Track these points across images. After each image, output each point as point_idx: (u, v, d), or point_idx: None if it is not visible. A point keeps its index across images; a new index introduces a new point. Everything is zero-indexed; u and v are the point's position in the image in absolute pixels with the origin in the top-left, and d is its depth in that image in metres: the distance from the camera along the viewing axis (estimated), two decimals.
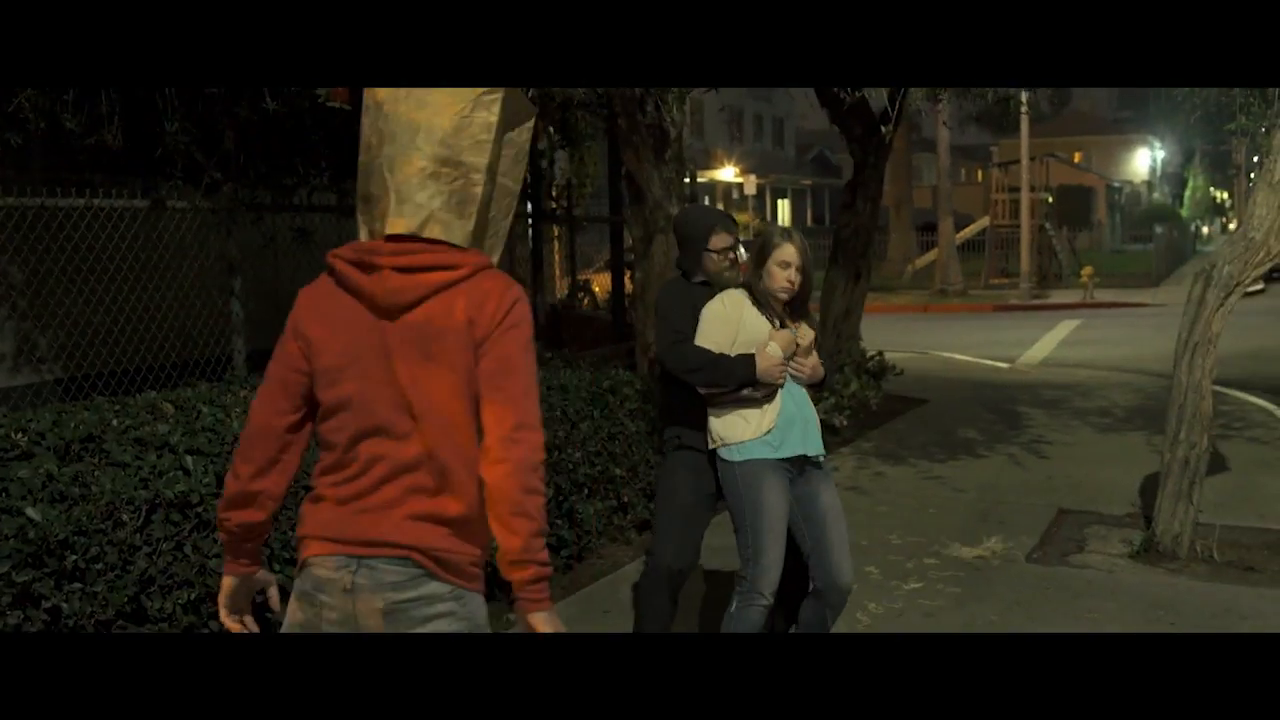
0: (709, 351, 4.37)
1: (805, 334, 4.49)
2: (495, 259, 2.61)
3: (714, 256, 4.66)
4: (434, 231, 2.45)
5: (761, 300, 4.44)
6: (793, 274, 4.40)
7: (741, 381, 4.32)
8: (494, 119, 2.48)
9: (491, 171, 2.51)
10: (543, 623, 2.42)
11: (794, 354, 4.42)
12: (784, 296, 4.44)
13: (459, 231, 2.47)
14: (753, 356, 4.31)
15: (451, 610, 2.46)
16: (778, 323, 4.44)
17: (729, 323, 4.42)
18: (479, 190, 2.48)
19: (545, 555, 2.42)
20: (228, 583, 2.71)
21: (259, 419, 2.59)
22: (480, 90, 2.47)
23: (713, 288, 4.63)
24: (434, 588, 2.44)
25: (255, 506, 2.61)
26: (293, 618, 2.55)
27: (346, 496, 2.48)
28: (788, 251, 4.40)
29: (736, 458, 4.38)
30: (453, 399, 2.43)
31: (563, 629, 2.46)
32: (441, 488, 2.45)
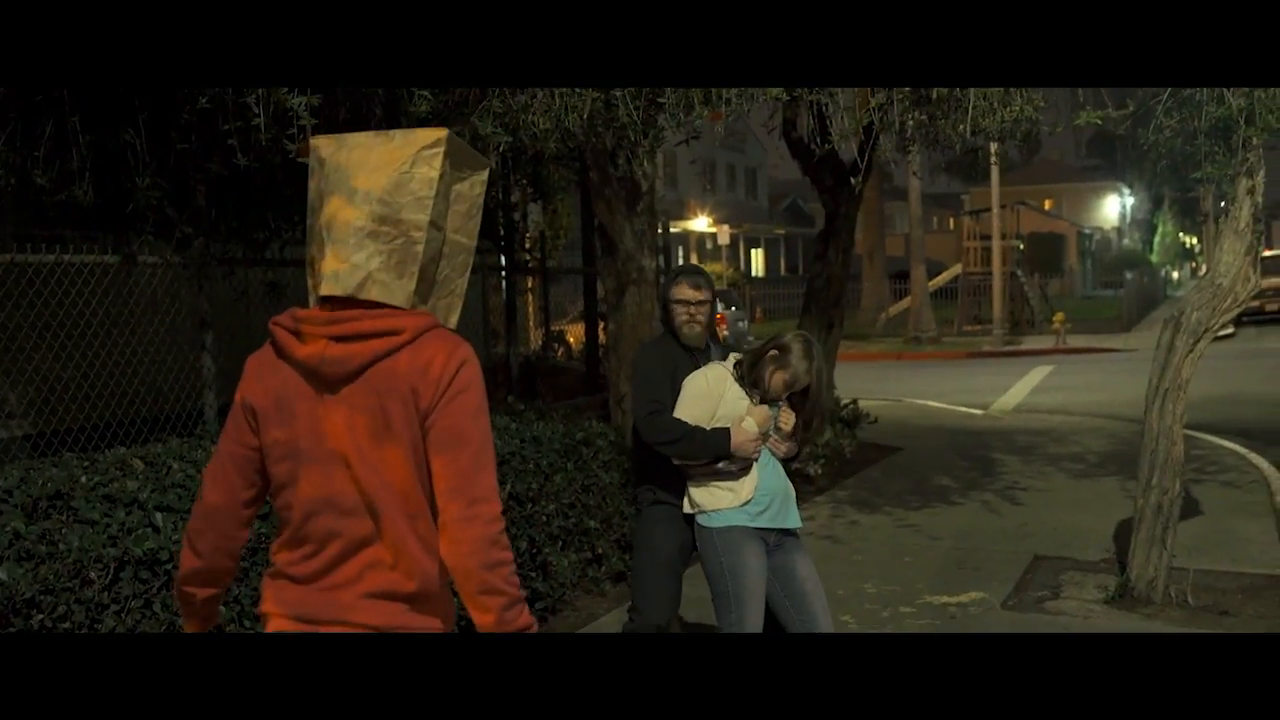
0: (684, 424, 4.37)
1: (787, 418, 4.48)
2: (454, 320, 2.53)
3: (675, 308, 4.67)
4: (373, 293, 2.37)
5: (750, 383, 4.43)
6: (798, 387, 4.40)
7: (715, 455, 4.33)
8: (435, 174, 2.39)
9: (436, 227, 2.42)
10: None
11: (769, 431, 4.43)
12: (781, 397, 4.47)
13: (399, 292, 2.39)
14: (728, 430, 4.32)
15: None
16: (758, 398, 4.43)
17: (710, 398, 4.44)
18: (420, 249, 2.39)
19: (524, 619, 2.37)
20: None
21: (214, 498, 2.52)
22: (422, 144, 2.39)
23: (693, 350, 4.64)
24: None
25: (218, 583, 2.61)
26: None
27: (305, 575, 2.43)
28: (798, 372, 4.36)
29: (715, 524, 4.39)
30: (402, 472, 2.37)
31: None
32: (396, 564, 2.39)
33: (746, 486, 4.38)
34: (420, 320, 2.39)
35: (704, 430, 4.35)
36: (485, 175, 2.57)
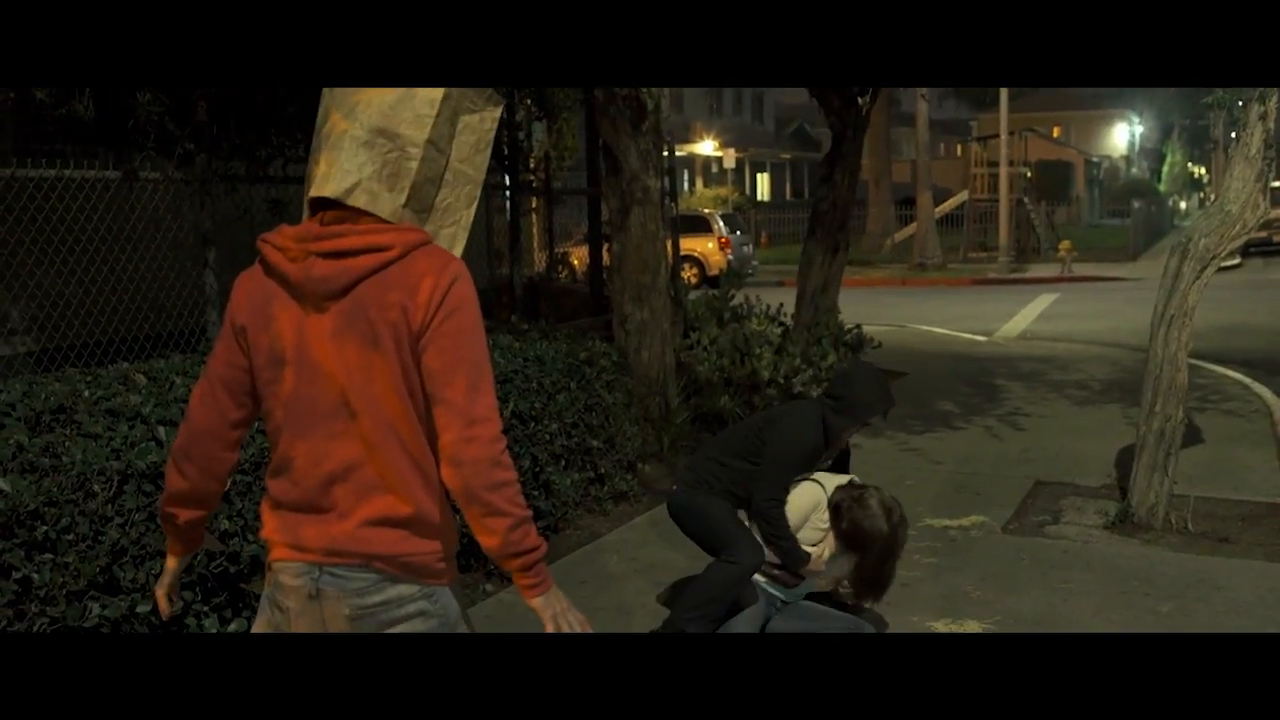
0: (791, 534, 4.82)
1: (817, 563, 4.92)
2: (458, 250, 2.46)
3: (848, 427, 5.01)
4: (359, 200, 2.31)
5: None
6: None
7: (788, 565, 4.84)
8: (439, 94, 2.36)
9: (436, 149, 2.38)
10: (541, 607, 2.35)
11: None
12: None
13: (386, 204, 2.33)
14: (808, 556, 4.84)
15: (422, 610, 2.39)
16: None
17: (814, 513, 4.86)
18: (414, 165, 2.35)
19: (531, 540, 2.33)
20: (174, 565, 2.69)
21: (201, 420, 2.48)
22: None
23: (824, 451, 5.03)
24: (401, 590, 2.37)
25: (203, 505, 2.59)
26: (262, 615, 2.51)
27: (298, 501, 2.39)
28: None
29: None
30: (391, 394, 2.32)
31: (563, 606, 2.37)
32: (391, 488, 2.35)
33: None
34: (410, 236, 2.33)
35: (796, 543, 4.81)
36: (498, 112, 2.51)
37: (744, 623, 4.79)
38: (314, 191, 2.35)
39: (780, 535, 4.78)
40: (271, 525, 2.45)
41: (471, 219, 2.52)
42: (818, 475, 4.97)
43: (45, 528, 3.78)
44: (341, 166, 2.32)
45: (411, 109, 2.35)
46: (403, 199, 2.35)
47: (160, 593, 2.69)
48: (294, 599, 2.40)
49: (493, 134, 2.52)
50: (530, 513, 2.36)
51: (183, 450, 2.51)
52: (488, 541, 2.32)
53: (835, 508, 4.77)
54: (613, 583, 5.81)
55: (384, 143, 2.33)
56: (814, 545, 4.87)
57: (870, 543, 4.64)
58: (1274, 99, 6.49)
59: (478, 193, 2.51)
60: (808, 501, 4.87)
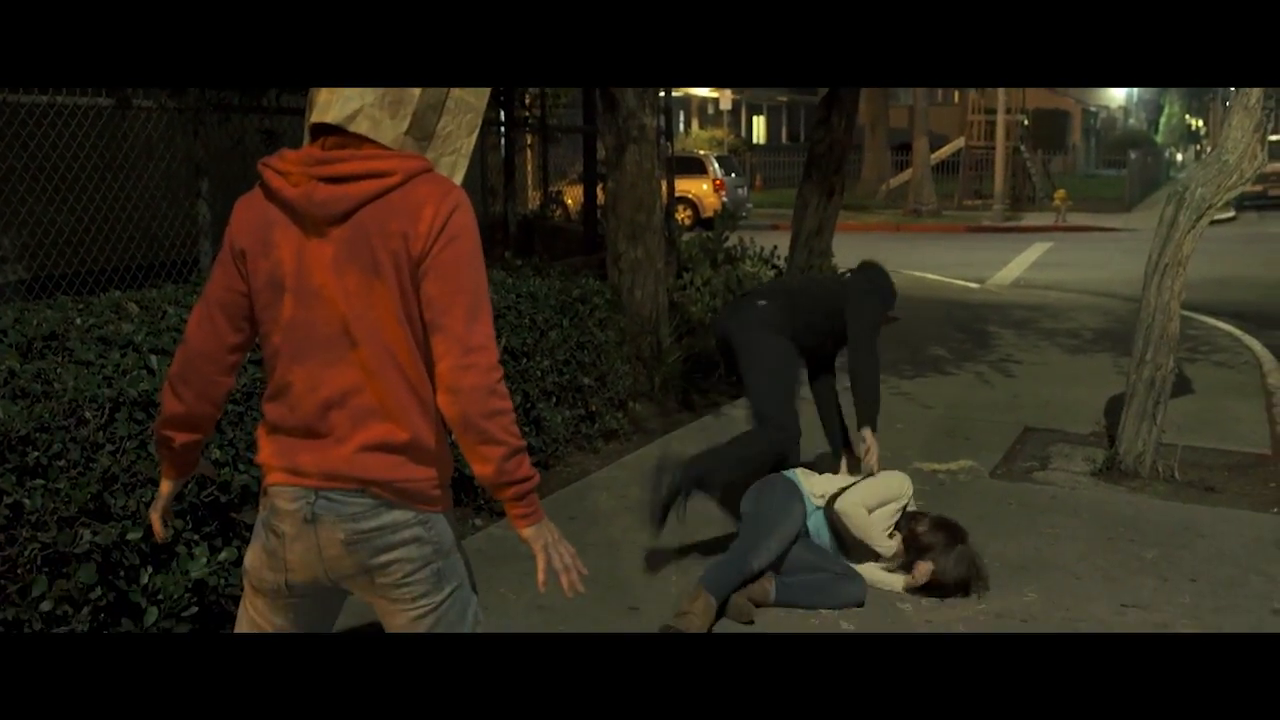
0: (878, 392, 5.38)
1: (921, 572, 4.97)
2: (458, 178, 2.46)
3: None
4: (362, 126, 2.31)
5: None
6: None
7: (871, 417, 5.36)
8: None
9: None
10: (532, 537, 2.37)
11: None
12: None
13: (388, 131, 2.33)
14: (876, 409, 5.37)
15: (417, 536, 2.40)
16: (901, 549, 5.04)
17: (881, 501, 5.02)
18: (415, 92, 2.33)
19: (524, 470, 2.34)
20: (168, 489, 2.70)
21: (199, 343, 2.48)
22: None
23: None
24: (396, 515, 2.38)
25: (199, 429, 2.58)
26: (257, 540, 2.51)
27: (295, 426, 2.40)
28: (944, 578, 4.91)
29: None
30: (391, 319, 2.32)
31: (554, 537, 2.39)
32: (388, 414, 2.35)
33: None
34: (411, 163, 2.33)
35: (878, 400, 5.37)
36: None
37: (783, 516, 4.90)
38: (315, 117, 2.34)
39: (876, 390, 5.32)
40: (268, 450, 2.45)
41: (472, 147, 2.51)
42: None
43: (37, 453, 3.78)
44: (344, 93, 2.31)
45: None
46: (404, 126, 2.35)
47: (155, 515, 2.71)
48: (289, 523, 2.41)
49: None
50: (524, 443, 2.36)
51: (179, 374, 2.51)
52: (482, 469, 2.33)
53: (919, 542, 4.93)
54: (601, 519, 5.84)
55: None
56: (885, 533, 4.98)
57: (945, 588, 4.90)
58: None
59: (479, 121, 2.50)
60: (894, 490, 5.04)
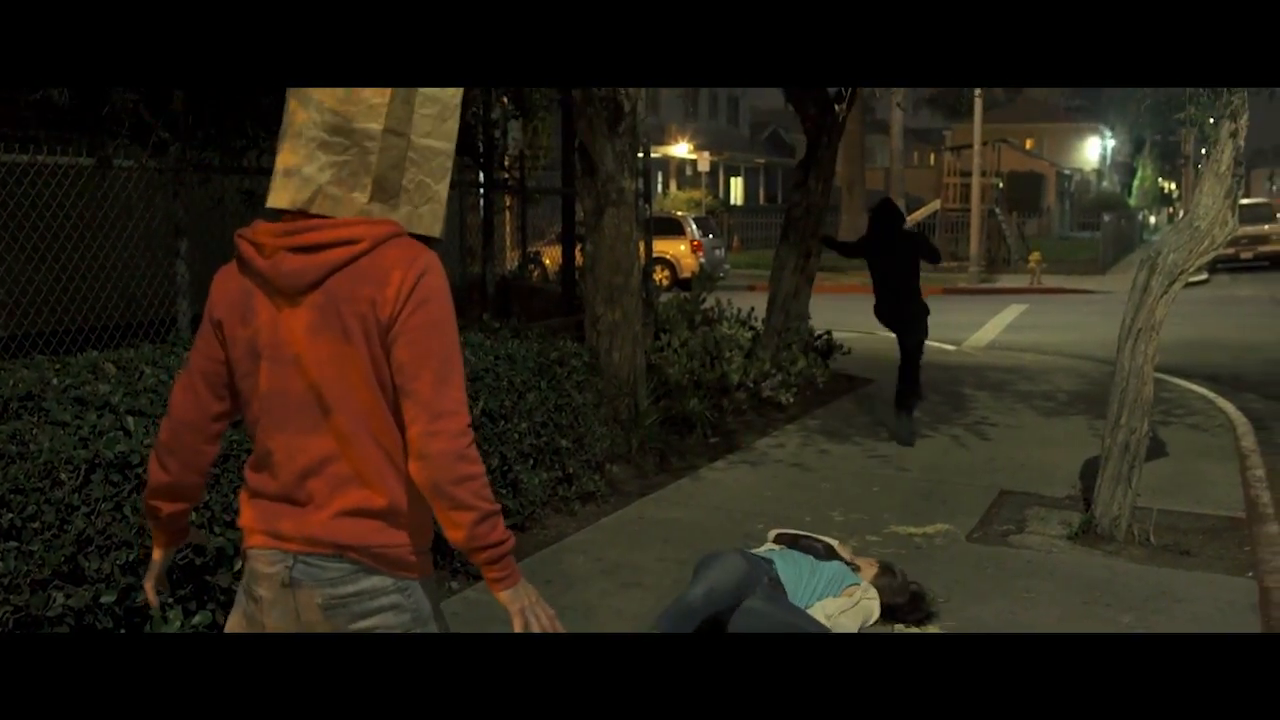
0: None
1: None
2: (439, 228, 2.46)
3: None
4: (323, 208, 2.32)
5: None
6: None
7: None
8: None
9: (395, 134, 2.36)
10: (509, 600, 2.36)
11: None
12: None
13: (350, 205, 2.34)
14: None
15: (396, 603, 2.40)
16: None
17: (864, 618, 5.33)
18: (374, 159, 2.34)
19: (498, 534, 2.33)
20: (160, 556, 2.69)
21: (183, 413, 2.50)
22: None
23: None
24: (374, 582, 2.38)
25: (185, 498, 2.60)
26: (238, 607, 2.52)
27: (276, 493, 2.41)
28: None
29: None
30: (363, 386, 2.33)
31: (532, 600, 2.38)
32: (365, 480, 2.36)
33: None
34: (379, 229, 2.33)
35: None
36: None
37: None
38: (271, 202, 2.36)
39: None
40: (249, 515, 2.46)
41: (446, 192, 2.49)
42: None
43: (11, 515, 3.77)
44: (302, 173, 2.32)
45: (364, 100, 2.32)
46: (366, 196, 2.35)
47: (149, 584, 2.70)
48: (267, 587, 2.41)
49: (458, 100, 2.48)
50: (498, 506, 2.36)
51: (165, 444, 2.52)
52: (454, 535, 2.33)
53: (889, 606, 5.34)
54: (577, 583, 5.82)
55: (340, 141, 2.32)
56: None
57: (898, 609, 5.35)
58: (1244, 117, 6.56)
59: (449, 163, 2.47)
60: (865, 615, 5.27)
